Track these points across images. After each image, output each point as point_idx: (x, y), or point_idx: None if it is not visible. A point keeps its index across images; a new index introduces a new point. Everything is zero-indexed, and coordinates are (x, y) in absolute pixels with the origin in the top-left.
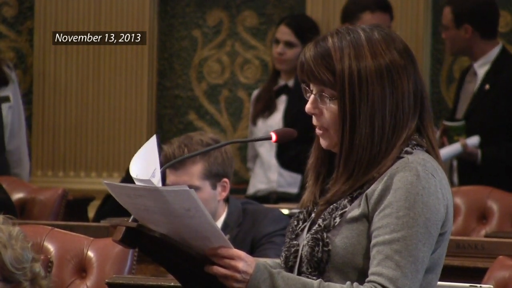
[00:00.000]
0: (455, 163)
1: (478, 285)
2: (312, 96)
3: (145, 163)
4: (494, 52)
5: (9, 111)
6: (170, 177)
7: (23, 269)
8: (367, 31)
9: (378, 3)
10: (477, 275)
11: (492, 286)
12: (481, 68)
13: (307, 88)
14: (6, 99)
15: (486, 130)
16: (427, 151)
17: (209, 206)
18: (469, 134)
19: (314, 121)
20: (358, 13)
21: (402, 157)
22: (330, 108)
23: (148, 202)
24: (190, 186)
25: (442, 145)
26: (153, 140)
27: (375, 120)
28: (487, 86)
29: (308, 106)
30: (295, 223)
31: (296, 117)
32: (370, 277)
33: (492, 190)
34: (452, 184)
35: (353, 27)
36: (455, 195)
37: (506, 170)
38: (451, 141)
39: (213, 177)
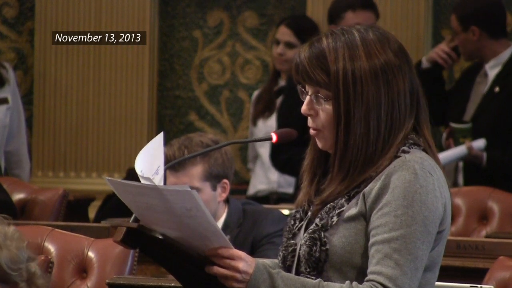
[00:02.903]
0: (460, 164)
1: (479, 285)
2: (307, 97)
3: (150, 160)
4: (506, 54)
5: (8, 112)
6: (170, 179)
7: (18, 270)
8: (362, 32)
9: (359, 1)
10: (477, 275)
11: (492, 287)
12: (492, 70)
13: (303, 89)
14: (4, 100)
15: (493, 133)
16: (424, 150)
17: (209, 207)
18: (476, 136)
19: (310, 122)
20: (341, 13)
21: (399, 156)
22: (325, 109)
23: (150, 200)
24: (190, 188)
25: (448, 147)
26: (159, 137)
27: (370, 120)
28: (496, 89)
29: (304, 107)
30: (292, 222)
31: (289, 120)
32: (369, 276)
33: (493, 190)
34: (457, 185)
35: (348, 28)
36: (455, 196)
37: None
38: (457, 143)
39: (213, 178)
